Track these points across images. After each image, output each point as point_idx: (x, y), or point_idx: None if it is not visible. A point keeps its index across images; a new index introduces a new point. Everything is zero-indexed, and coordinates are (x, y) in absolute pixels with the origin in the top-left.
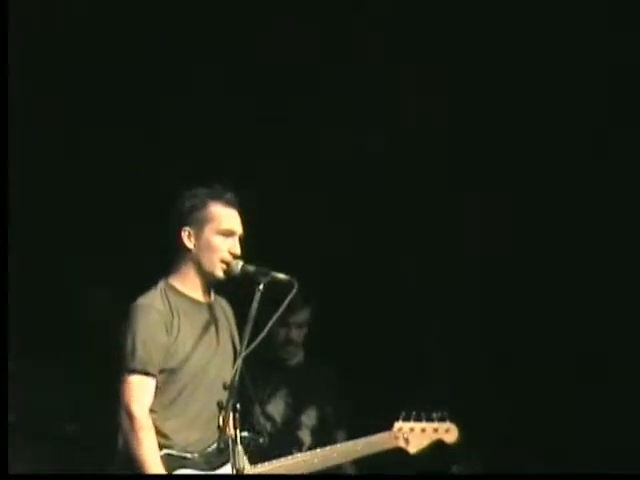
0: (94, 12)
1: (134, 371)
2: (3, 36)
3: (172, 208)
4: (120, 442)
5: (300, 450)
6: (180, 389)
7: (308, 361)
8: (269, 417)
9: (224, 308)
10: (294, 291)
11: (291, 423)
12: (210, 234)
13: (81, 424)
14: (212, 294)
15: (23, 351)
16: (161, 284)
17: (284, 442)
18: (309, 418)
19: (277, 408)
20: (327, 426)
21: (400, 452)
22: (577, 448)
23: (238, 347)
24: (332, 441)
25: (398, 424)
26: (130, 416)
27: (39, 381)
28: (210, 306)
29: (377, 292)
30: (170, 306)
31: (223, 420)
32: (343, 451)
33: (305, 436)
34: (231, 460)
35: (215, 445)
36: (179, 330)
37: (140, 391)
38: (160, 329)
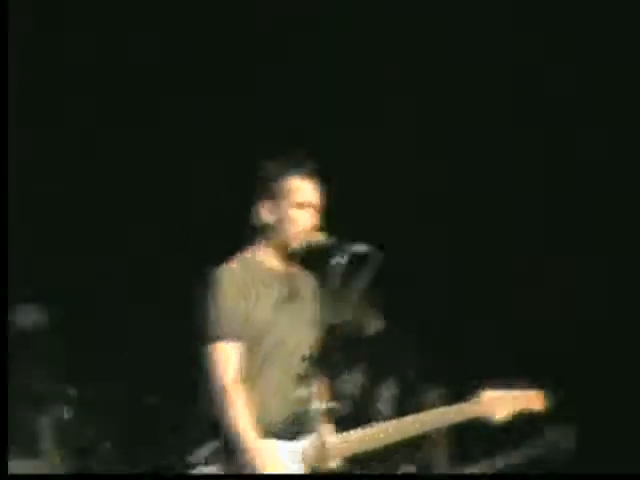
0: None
1: (217, 338)
2: (3, 35)
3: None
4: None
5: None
6: (262, 360)
7: (387, 330)
8: (348, 389)
9: (306, 280)
10: (378, 261)
11: (371, 395)
12: (288, 207)
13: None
14: (293, 265)
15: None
16: (239, 256)
17: (364, 414)
18: (388, 389)
19: (356, 380)
20: (407, 396)
21: None
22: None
23: (319, 319)
24: (412, 411)
25: (485, 392)
26: (220, 384)
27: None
28: (290, 277)
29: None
30: (249, 275)
31: (303, 392)
32: (428, 419)
33: (385, 408)
34: (311, 432)
35: (295, 416)
36: (258, 298)
37: (227, 358)
38: (239, 297)
